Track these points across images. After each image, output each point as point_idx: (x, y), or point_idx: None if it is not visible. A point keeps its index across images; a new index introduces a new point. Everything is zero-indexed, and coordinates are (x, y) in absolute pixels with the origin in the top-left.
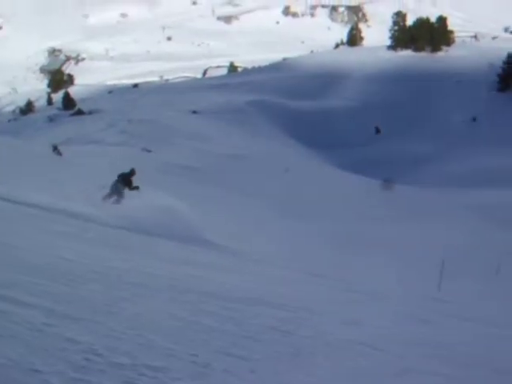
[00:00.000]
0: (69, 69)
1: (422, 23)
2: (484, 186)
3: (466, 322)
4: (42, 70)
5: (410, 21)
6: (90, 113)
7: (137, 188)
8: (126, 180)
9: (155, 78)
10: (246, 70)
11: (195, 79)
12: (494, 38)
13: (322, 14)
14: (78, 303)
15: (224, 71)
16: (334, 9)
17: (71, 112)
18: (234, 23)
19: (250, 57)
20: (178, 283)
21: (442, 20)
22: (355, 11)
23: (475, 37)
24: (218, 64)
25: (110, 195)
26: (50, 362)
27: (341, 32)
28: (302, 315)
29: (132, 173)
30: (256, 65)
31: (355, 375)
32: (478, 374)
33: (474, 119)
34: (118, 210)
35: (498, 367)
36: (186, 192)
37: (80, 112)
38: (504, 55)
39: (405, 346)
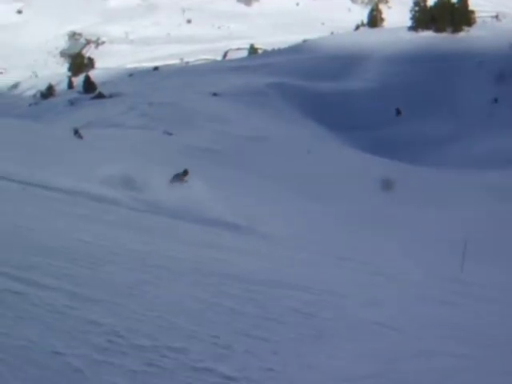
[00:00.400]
0: (89, 52)
1: (443, 3)
2: (504, 167)
3: (487, 303)
4: (63, 53)
5: (430, 1)
6: (111, 96)
7: None
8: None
9: (175, 61)
10: (266, 52)
11: (215, 61)
12: None
13: None
14: (99, 286)
15: (244, 53)
16: None
17: (92, 95)
18: (255, 5)
19: (270, 39)
20: (201, 266)
21: (462, 0)
22: None
23: (496, 17)
24: (238, 46)
25: None
26: (72, 345)
27: (361, 13)
28: (324, 297)
29: (185, 173)
30: (276, 47)
31: (376, 356)
32: (497, 354)
33: (496, 100)
34: (139, 192)
35: None
36: (207, 174)
37: (100, 95)
38: None
39: (424, 327)
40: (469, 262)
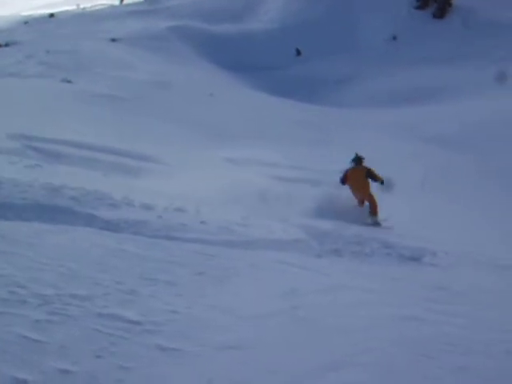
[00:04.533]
0: None
1: None
2: (404, 104)
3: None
4: None
5: None
6: (7, 45)
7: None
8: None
9: (72, 7)
10: None
11: (112, 6)
12: None
13: None
14: None
15: None
16: None
17: None
18: None
19: None
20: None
21: None
22: None
23: None
24: None
25: None
26: None
27: None
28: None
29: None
30: None
31: (280, 294)
32: (400, 289)
33: (394, 38)
34: (40, 143)
35: (424, 283)
36: (111, 121)
37: None
38: None
39: (330, 265)
40: None
